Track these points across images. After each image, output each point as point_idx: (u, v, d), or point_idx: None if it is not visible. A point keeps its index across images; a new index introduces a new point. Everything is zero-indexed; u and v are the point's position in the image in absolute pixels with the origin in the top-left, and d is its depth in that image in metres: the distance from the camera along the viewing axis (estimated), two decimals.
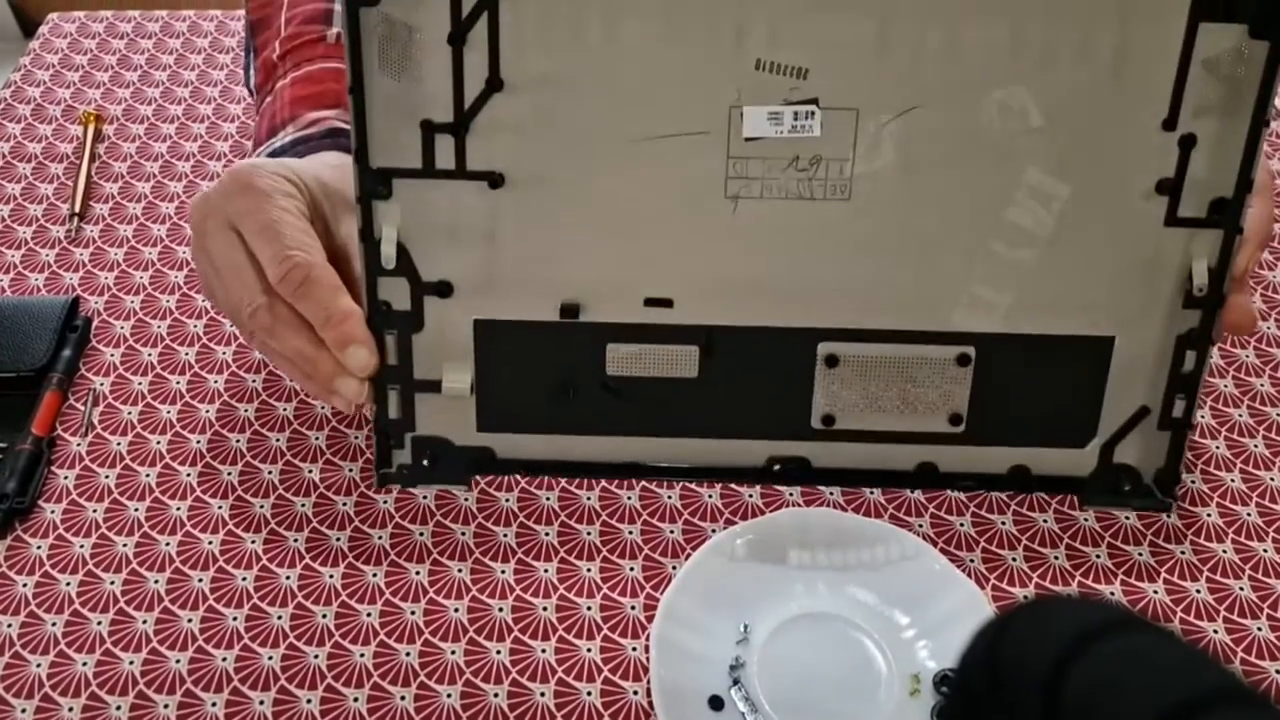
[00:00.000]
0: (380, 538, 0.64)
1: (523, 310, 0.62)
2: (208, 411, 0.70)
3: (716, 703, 0.57)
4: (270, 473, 0.67)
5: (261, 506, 0.65)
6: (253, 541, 0.64)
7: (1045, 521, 0.65)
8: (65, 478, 0.66)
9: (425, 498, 0.65)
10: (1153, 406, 0.64)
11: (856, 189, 0.60)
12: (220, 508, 0.65)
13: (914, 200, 0.60)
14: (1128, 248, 0.61)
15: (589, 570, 0.63)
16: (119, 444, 0.68)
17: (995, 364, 0.63)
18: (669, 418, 0.65)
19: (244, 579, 0.62)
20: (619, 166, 0.59)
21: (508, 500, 0.65)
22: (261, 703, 0.57)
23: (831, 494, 0.66)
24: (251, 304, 0.60)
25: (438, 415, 0.65)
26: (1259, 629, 0.61)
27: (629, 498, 0.66)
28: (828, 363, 0.63)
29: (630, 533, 0.64)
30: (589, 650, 0.60)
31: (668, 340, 0.63)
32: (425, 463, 0.66)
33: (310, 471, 0.67)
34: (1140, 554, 0.64)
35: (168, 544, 0.63)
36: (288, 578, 0.62)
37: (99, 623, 0.60)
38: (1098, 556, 0.63)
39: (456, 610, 0.61)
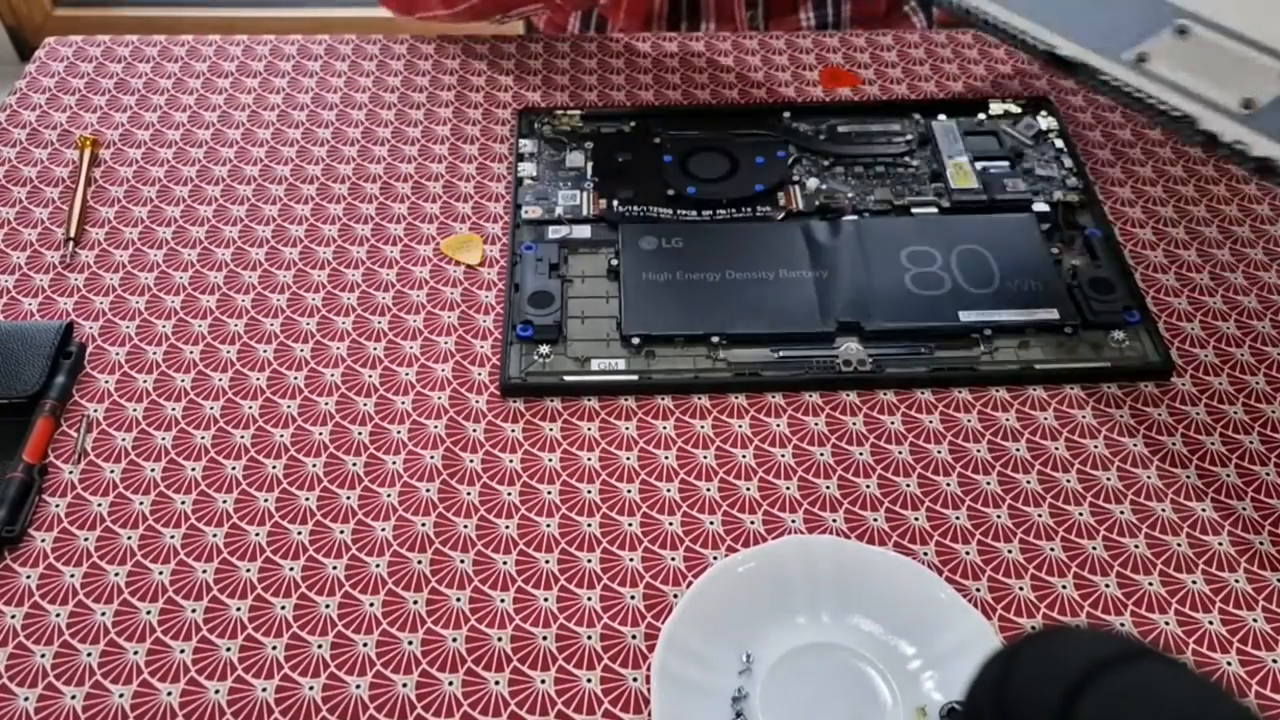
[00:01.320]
0: (378, 565, 0.63)
1: None
2: (202, 438, 0.69)
3: None
4: (266, 500, 0.66)
5: (257, 534, 0.64)
6: (247, 570, 0.63)
7: (1052, 550, 0.64)
8: (56, 506, 0.65)
9: (424, 525, 0.65)
10: None
11: None
12: (215, 536, 0.64)
13: None
14: None
15: (589, 599, 0.62)
16: (112, 471, 0.67)
17: None
18: None
19: (238, 609, 0.61)
20: None
21: (508, 527, 0.65)
22: None
23: (834, 521, 0.65)
24: None
25: None
26: (1274, 660, 0.60)
27: (629, 524, 0.65)
28: None
29: (631, 560, 0.63)
30: (589, 681, 0.59)
31: None
32: None
33: (307, 499, 0.66)
34: (1151, 584, 0.63)
35: (160, 573, 0.62)
36: (282, 607, 0.61)
37: (89, 654, 0.59)
38: (1107, 586, 0.62)
39: (454, 640, 0.60)
